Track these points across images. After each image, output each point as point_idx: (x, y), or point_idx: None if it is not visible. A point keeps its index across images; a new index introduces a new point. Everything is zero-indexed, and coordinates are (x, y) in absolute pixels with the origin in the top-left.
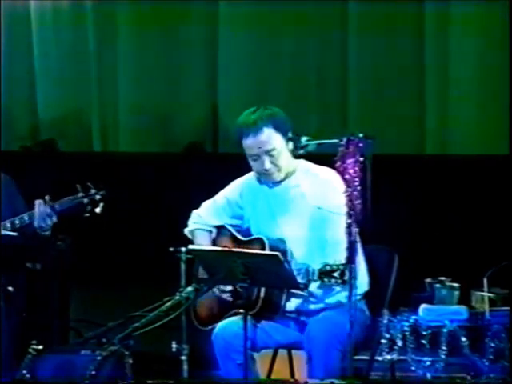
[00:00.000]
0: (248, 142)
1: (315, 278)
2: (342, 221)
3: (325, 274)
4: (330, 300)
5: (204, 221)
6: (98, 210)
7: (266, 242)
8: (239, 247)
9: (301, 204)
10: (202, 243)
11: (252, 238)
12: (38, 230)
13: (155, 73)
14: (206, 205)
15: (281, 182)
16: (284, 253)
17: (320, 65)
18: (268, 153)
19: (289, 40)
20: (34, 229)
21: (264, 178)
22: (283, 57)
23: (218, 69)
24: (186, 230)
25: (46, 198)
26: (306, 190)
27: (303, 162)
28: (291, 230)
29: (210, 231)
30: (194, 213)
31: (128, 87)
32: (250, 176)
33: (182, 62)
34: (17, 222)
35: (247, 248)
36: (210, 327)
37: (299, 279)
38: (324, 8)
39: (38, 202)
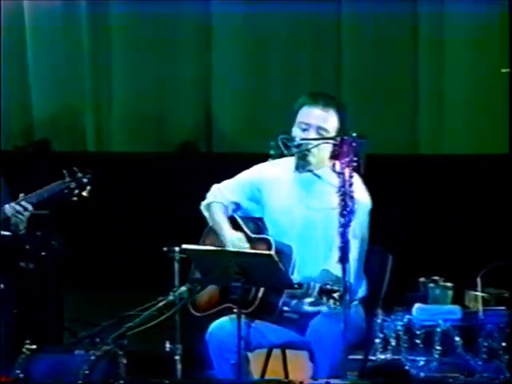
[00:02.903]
0: (309, 110)
1: (315, 293)
2: (352, 225)
3: (325, 292)
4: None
5: (224, 195)
6: (85, 193)
7: (273, 244)
8: (246, 243)
9: (321, 201)
10: (220, 216)
11: (260, 236)
12: (14, 228)
13: (149, 73)
14: (228, 181)
15: (312, 172)
16: (289, 258)
17: (313, 65)
18: (319, 129)
19: (282, 41)
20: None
21: (302, 159)
22: (277, 57)
23: (212, 69)
24: (203, 204)
25: (21, 195)
26: (329, 188)
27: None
28: (303, 224)
29: (227, 208)
30: (214, 186)
31: (122, 87)
32: (286, 160)
33: (176, 62)
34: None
35: (253, 246)
36: (202, 314)
37: (298, 292)
38: (317, 10)
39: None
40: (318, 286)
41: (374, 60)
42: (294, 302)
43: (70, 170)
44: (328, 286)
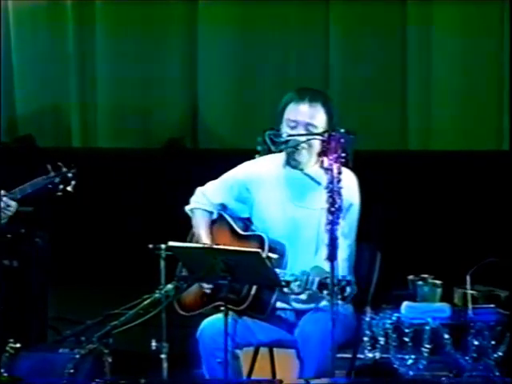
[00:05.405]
0: (296, 107)
1: (314, 288)
2: (343, 224)
3: (325, 286)
4: (320, 303)
5: (208, 199)
6: (69, 188)
7: (266, 240)
8: (237, 241)
9: (311, 200)
10: (201, 223)
11: (252, 233)
12: None
13: (135, 69)
14: (213, 182)
15: (303, 171)
16: (281, 255)
17: (302, 63)
18: (308, 126)
19: (270, 38)
20: None
21: (292, 155)
22: (264, 54)
23: (198, 65)
24: (187, 208)
25: (2, 192)
26: (320, 188)
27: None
28: (293, 222)
29: (211, 212)
30: (198, 190)
31: (107, 83)
32: (273, 157)
33: (163, 58)
34: None
35: (244, 243)
36: (190, 314)
37: (295, 287)
38: (306, 8)
39: None
40: (317, 279)
41: (362, 56)
42: (288, 298)
43: (55, 165)
44: (328, 280)
